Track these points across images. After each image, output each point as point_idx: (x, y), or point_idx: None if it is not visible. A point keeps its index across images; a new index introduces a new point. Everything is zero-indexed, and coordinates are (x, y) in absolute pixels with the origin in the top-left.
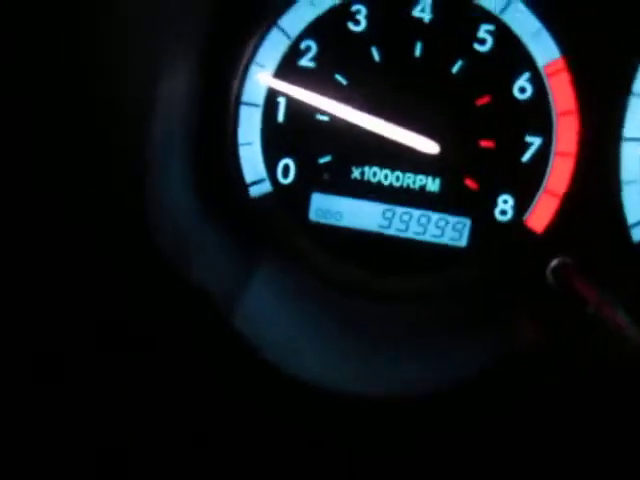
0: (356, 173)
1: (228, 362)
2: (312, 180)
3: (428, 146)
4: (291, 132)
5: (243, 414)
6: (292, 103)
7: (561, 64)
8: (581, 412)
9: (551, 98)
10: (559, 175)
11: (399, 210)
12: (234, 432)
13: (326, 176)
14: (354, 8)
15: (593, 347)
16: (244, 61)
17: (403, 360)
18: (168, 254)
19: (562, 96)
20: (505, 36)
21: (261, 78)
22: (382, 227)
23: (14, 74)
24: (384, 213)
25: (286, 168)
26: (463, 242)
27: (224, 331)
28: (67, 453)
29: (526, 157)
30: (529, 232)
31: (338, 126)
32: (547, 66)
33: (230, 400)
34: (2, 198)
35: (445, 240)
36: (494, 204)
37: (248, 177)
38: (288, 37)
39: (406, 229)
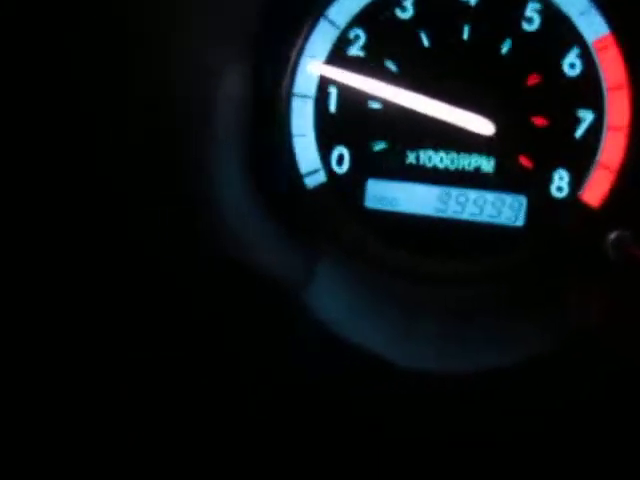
0: (411, 158)
1: (301, 340)
2: (367, 167)
3: (483, 126)
4: (344, 121)
5: (317, 389)
6: (343, 92)
7: (610, 40)
8: None
9: (601, 73)
10: (612, 149)
11: (455, 192)
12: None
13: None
14: None
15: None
16: (294, 53)
17: (468, 340)
18: (230, 251)
19: (612, 71)
20: (552, 14)
21: (312, 67)
22: (439, 210)
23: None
24: (440, 196)
25: (340, 157)
26: (520, 221)
27: (296, 313)
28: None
29: (579, 132)
30: (586, 207)
31: (390, 112)
32: (596, 42)
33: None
34: (70, 199)
35: (502, 220)
36: (549, 181)
37: (303, 168)
38: (336, 27)
39: (462, 211)
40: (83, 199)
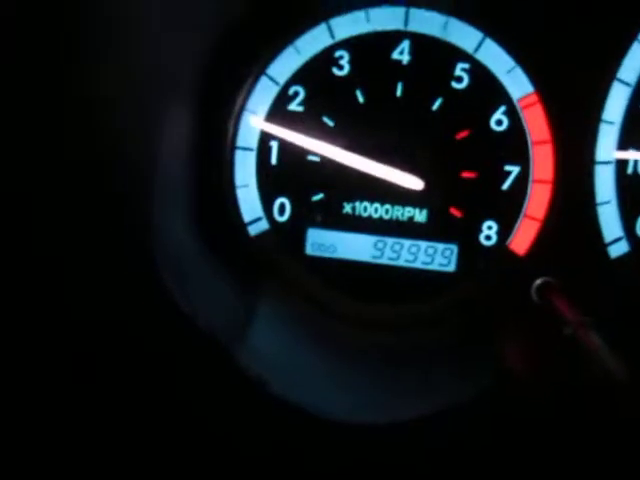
0: (347, 208)
1: (231, 395)
2: (307, 217)
3: (412, 182)
4: (284, 173)
5: (243, 441)
6: (284, 146)
7: (534, 98)
8: (565, 433)
9: (526, 129)
10: (538, 201)
11: (390, 240)
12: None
13: (319, 216)
14: (337, 54)
15: (572, 367)
16: (237, 109)
17: (394, 387)
18: (174, 294)
19: (537, 127)
20: (480, 73)
21: (254, 121)
22: (375, 257)
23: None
24: (376, 244)
25: (282, 207)
26: (452, 267)
27: (228, 365)
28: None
29: (506, 185)
30: (513, 255)
31: (328, 165)
32: (521, 100)
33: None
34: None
35: (435, 266)
36: (479, 230)
37: (246, 217)
38: (277, 84)
39: (397, 258)
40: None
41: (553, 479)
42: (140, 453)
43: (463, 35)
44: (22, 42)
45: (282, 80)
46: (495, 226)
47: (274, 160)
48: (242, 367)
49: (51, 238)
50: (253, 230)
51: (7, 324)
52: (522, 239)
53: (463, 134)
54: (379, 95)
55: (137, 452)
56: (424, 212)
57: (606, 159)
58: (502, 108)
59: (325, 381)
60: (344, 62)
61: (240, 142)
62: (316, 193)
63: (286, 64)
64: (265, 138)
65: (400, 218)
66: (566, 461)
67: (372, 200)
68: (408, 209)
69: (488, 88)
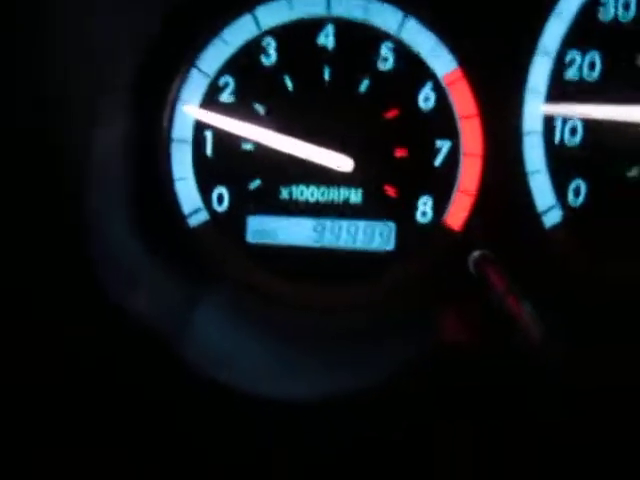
0: (285, 193)
1: (175, 387)
2: (245, 205)
3: (343, 162)
4: (220, 163)
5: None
6: (218, 136)
7: (459, 73)
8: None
9: (453, 105)
10: (470, 174)
11: (328, 223)
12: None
13: (253, 204)
14: (264, 43)
15: (504, 339)
16: (170, 102)
17: (337, 366)
18: (113, 289)
19: (463, 102)
20: (404, 53)
21: (188, 110)
22: (315, 240)
23: None
24: (315, 227)
25: (220, 196)
26: (391, 246)
27: (171, 357)
28: None
29: (438, 161)
30: (449, 230)
31: (262, 152)
32: (446, 76)
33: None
34: None
35: (374, 246)
36: (414, 207)
37: (185, 208)
38: (207, 76)
39: (337, 240)
40: None
41: (491, 449)
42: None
43: (385, 16)
44: None
45: (212, 72)
46: (430, 202)
47: (209, 151)
48: (185, 358)
49: None
50: (193, 221)
51: None
52: (457, 213)
53: (392, 113)
54: (307, 80)
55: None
56: (359, 192)
57: (533, 129)
58: (428, 85)
59: (270, 365)
60: (271, 50)
61: (175, 134)
62: (253, 181)
63: (215, 56)
64: (200, 129)
65: (336, 200)
66: (503, 431)
67: (308, 183)
68: (343, 190)
69: (413, 67)
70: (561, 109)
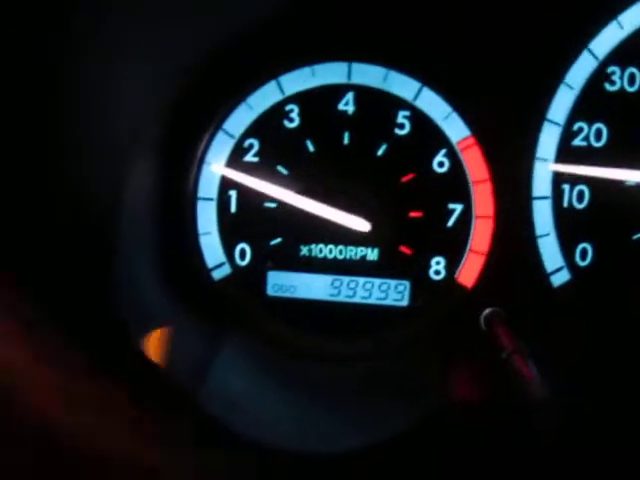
0: (304, 250)
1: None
2: (266, 260)
3: (360, 224)
4: (244, 220)
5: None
6: (242, 194)
7: (472, 140)
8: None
9: (466, 170)
10: (481, 235)
11: (346, 279)
12: None
13: (272, 261)
14: (288, 107)
15: (509, 393)
16: (196, 161)
17: (349, 417)
18: (136, 337)
19: (476, 167)
20: (420, 120)
21: (211, 178)
22: (332, 295)
23: None
24: (333, 283)
25: (242, 252)
26: (405, 302)
27: (190, 405)
28: None
29: (451, 222)
30: (461, 288)
31: (284, 211)
32: (460, 143)
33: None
34: None
35: (389, 302)
36: (428, 266)
37: (209, 262)
38: (232, 137)
39: (353, 295)
40: None
41: None
42: None
43: (402, 85)
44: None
45: (237, 134)
46: (443, 261)
47: (233, 208)
48: (204, 407)
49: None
50: (217, 275)
51: None
52: (469, 272)
53: (407, 177)
54: (328, 144)
55: None
56: (375, 251)
57: (542, 194)
58: (443, 151)
59: (285, 416)
60: (294, 115)
61: (201, 193)
62: (274, 238)
63: (240, 119)
64: (224, 188)
65: (354, 258)
66: None
67: (327, 242)
68: (361, 249)
69: (428, 133)
70: (569, 175)
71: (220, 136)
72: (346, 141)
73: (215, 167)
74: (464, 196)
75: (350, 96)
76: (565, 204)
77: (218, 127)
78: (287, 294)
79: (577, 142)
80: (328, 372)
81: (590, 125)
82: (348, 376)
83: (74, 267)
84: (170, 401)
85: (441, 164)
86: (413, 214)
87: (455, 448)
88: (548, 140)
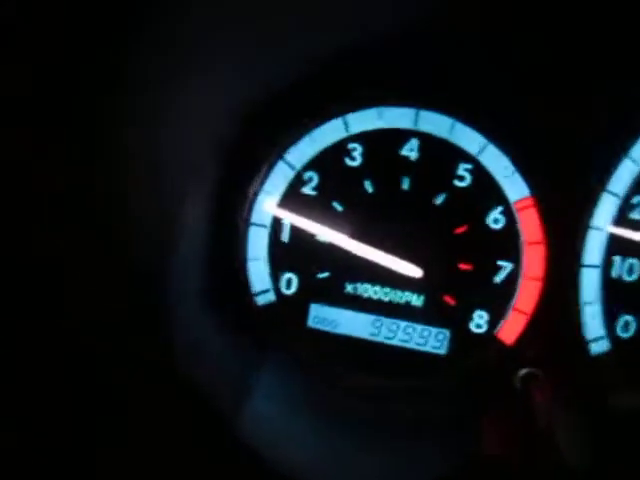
0: (349, 288)
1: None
2: (311, 292)
3: (412, 270)
4: (294, 250)
5: None
6: (295, 225)
7: (530, 201)
8: None
9: (520, 229)
10: (527, 296)
11: (387, 321)
12: None
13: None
14: (351, 146)
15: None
16: (254, 189)
17: (384, 457)
18: (183, 361)
19: (530, 228)
20: (481, 174)
21: (267, 206)
22: (372, 334)
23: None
24: (374, 323)
25: (289, 281)
26: (443, 350)
27: (228, 434)
28: None
29: (498, 279)
30: (501, 344)
31: (335, 247)
32: (517, 202)
33: None
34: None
35: (428, 348)
36: (470, 318)
37: (255, 287)
38: (293, 169)
39: (393, 337)
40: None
41: None
42: None
43: (468, 138)
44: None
45: (298, 165)
46: (486, 316)
47: (286, 238)
48: (241, 436)
49: (71, 315)
50: (261, 300)
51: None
52: (510, 330)
53: (461, 229)
54: (387, 187)
55: None
56: (421, 298)
57: (593, 263)
58: (499, 208)
59: (319, 451)
60: (356, 154)
61: (255, 219)
62: (322, 271)
63: (303, 151)
64: (278, 217)
65: (398, 301)
66: None
67: (373, 282)
68: (406, 294)
69: (487, 189)
70: (622, 247)
71: (280, 166)
72: (405, 186)
73: (270, 200)
74: (515, 255)
75: (415, 142)
76: (614, 275)
77: (279, 157)
78: (327, 328)
79: (634, 215)
80: (357, 409)
81: None
82: (378, 415)
83: (127, 299)
84: (208, 427)
85: (496, 220)
86: (463, 266)
87: None
88: (605, 210)
